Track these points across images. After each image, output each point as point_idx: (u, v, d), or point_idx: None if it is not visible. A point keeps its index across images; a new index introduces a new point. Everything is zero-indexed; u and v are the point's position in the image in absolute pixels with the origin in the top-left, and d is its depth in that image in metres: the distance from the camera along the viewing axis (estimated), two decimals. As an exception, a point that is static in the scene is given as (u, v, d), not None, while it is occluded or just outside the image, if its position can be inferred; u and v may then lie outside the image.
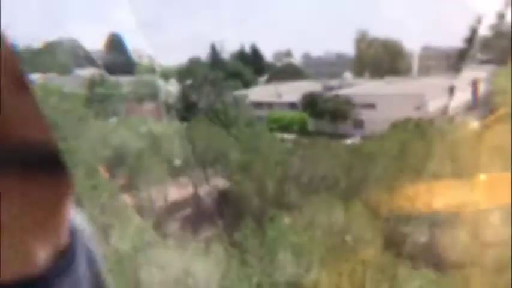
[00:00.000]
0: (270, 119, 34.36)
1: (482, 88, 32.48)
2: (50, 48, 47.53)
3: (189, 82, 40.02)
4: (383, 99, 31.74)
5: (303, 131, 33.15)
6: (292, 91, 43.56)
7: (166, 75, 68.60)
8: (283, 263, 16.26)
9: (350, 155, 22.65)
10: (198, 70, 42.73)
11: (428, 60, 66.11)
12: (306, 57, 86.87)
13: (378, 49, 58.38)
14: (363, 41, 61.13)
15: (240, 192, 22.20)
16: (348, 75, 49.38)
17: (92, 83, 42.69)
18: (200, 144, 26.10)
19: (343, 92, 34.21)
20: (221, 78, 40.25)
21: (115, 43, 55.85)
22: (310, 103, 34.57)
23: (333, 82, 50.76)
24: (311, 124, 33.77)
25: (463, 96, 31.48)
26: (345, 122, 33.31)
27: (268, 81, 68.06)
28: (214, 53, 52.07)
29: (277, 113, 34.75)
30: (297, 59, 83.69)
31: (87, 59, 54.91)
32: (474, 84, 32.66)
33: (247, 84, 52.00)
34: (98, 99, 40.40)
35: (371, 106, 32.47)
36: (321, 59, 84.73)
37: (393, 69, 57.11)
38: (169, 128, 30.26)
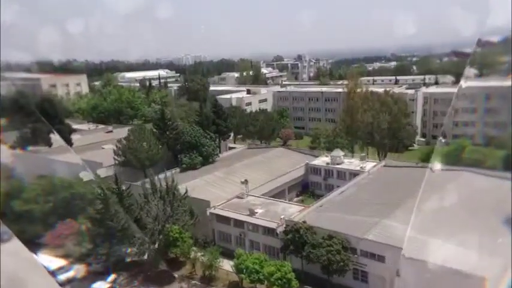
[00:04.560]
0: (238, 268, 24.46)
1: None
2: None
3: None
4: (393, 251, 22.42)
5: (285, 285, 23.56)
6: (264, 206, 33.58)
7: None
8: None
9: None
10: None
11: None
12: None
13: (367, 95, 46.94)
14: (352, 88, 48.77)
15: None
16: (339, 153, 39.43)
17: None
18: None
19: (339, 232, 24.61)
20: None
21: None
22: (294, 240, 24.92)
23: (318, 161, 40.85)
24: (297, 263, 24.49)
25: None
26: (342, 274, 24.06)
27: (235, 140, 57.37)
28: (163, 120, 40.56)
29: (246, 261, 24.45)
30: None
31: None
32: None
33: (207, 156, 41.17)
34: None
35: (379, 258, 23.26)
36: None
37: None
38: None
